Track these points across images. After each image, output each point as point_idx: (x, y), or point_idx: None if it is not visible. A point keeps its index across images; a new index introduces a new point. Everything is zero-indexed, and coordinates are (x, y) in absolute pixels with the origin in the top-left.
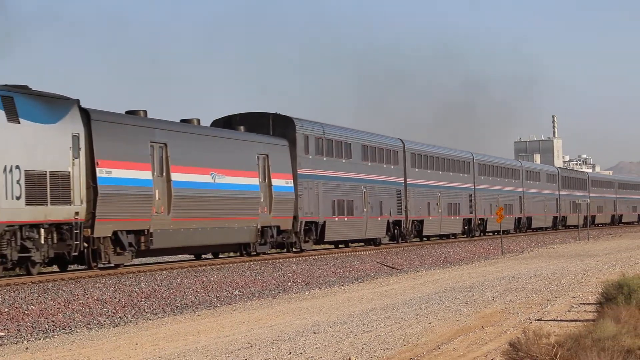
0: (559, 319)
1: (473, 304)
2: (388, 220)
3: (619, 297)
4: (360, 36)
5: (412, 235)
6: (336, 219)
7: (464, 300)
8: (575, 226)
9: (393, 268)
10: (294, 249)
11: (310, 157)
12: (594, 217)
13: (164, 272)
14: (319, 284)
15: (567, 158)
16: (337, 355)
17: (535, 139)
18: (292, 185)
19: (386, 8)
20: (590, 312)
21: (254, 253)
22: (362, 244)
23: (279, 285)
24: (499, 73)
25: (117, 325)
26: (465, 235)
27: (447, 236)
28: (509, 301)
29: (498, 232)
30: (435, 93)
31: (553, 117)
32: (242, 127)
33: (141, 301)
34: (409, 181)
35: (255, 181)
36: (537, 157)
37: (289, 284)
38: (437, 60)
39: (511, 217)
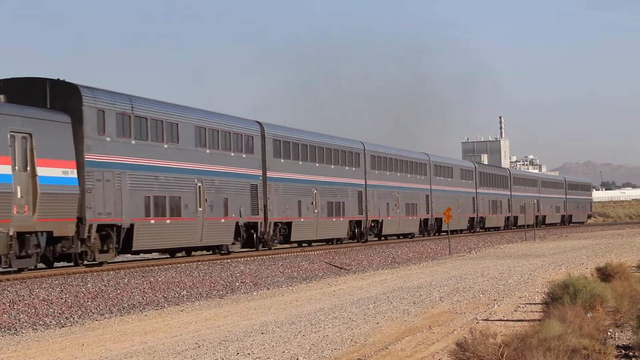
0: (505, 318)
1: (420, 304)
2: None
3: (565, 297)
4: (301, 33)
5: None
6: (152, 222)
7: (411, 301)
8: (525, 226)
9: (341, 268)
10: (85, 262)
11: (109, 139)
12: (516, 218)
13: (111, 272)
14: (267, 284)
15: (514, 159)
16: (285, 356)
17: (482, 139)
18: (75, 176)
19: (332, 6)
20: (536, 311)
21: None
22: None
23: (227, 285)
24: (445, 73)
25: (63, 326)
26: (422, 235)
27: (405, 235)
28: (456, 301)
29: (455, 231)
30: (382, 91)
31: (500, 118)
32: (1, 97)
33: (88, 301)
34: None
35: (5, 169)
36: (485, 158)
37: (237, 284)
38: (380, 57)
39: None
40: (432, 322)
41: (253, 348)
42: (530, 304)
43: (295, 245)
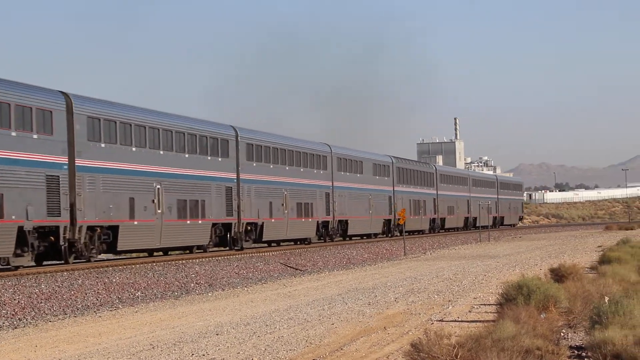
0: (460, 319)
1: (376, 305)
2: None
3: (519, 297)
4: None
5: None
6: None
7: (366, 301)
8: (481, 227)
9: (296, 269)
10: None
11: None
12: (443, 219)
13: (65, 273)
14: (222, 285)
15: (468, 160)
16: (240, 357)
17: (437, 141)
18: None
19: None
20: (490, 312)
21: None
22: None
23: (181, 286)
24: (400, 75)
25: (16, 327)
26: (385, 235)
27: (369, 235)
28: (411, 302)
29: (416, 231)
30: (336, 92)
31: (455, 119)
32: None
33: (41, 303)
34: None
35: None
36: (440, 159)
37: (192, 285)
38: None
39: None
40: (387, 322)
41: (208, 349)
42: (484, 304)
43: (266, 245)
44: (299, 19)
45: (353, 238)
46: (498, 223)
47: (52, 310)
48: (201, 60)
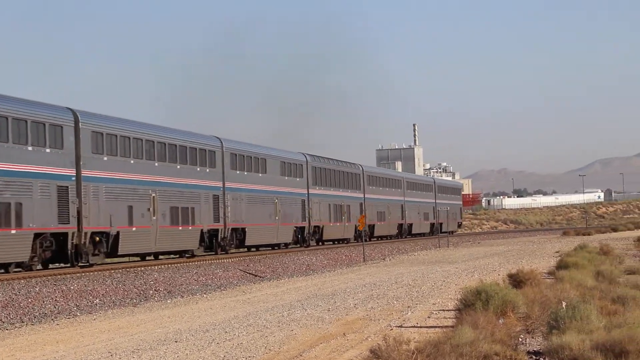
0: (419, 325)
1: (335, 311)
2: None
3: (477, 303)
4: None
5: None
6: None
7: (326, 308)
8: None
9: (256, 276)
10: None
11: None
12: (372, 226)
13: (22, 280)
14: (181, 292)
15: (427, 166)
16: None
17: (396, 147)
18: None
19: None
20: (449, 318)
21: None
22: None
23: (140, 293)
24: (356, 80)
25: None
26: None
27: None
28: (370, 308)
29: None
30: (287, 99)
31: (414, 125)
32: None
33: None
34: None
35: None
36: (399, 165)
37: (151, 292)
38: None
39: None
40: (347, 329)
41: (167, 356)
42: (443, 310)
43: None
44: (253, 24)
45: (257, 249)
46: (437, 230)
47: (9, 318)
48: (146, 63)
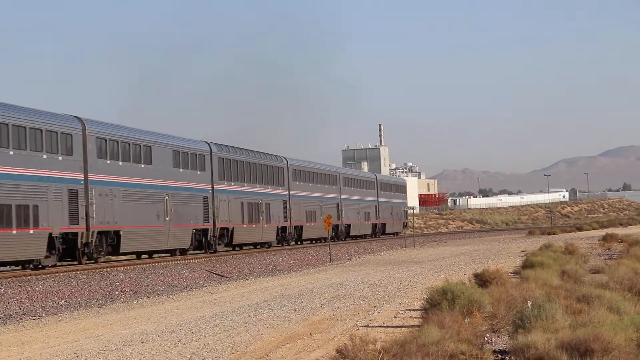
0: (385, 325)
1: (301, 311)
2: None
3: (443, 302)
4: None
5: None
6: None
7: (292, 308)
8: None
9: (222, 276)
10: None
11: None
12: (299, 228)
13: None
14: (147, 293)
15: (393, 166)
16: None
17: (362, 147)
18: None
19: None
20: (415, 318)
21: None
22: None
23: (106, 294)
24: (321, 80)
25: None
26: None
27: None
28: (336, 308)
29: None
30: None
31: (380, 125)
32: None
33: None
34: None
35: None
36: (365, 165)
37: (117, 293)
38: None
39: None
40: (313, 329)
41: (133, 357)
42: (409, 310)
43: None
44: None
45: (138, 256)
46: (379, 231)
47: None
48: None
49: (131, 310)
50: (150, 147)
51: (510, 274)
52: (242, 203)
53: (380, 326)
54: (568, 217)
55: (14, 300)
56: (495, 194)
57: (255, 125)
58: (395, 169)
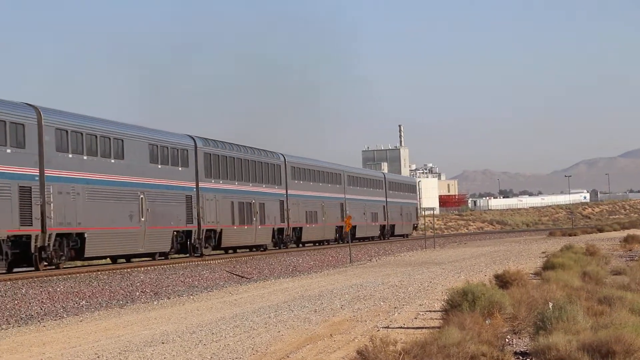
0: (405, 326)
1: (322, 312)
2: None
3: (464, 304)
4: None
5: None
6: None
7: (312, 309)
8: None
9: (242, 277)
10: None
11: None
12: (298, 229)
13: (8, 282)
14: (167, 294)
15: (413, 167)
16: None
17: (382, 148)
18: None
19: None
20: (436, 319)
21: None
22: None
23: (127, 295)
24: (342, 81)
25: None
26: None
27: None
28: (357, 309)
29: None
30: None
31: (400, 126)
32: None
33: None
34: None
35: None
36: (385, 166)
37: (137, 293)
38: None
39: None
40: (333, 330)
41: (154, 358)
42: (430, 311)
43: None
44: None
45: (115, 260)
46: (388, 233)
47: None
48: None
49: (152, 311)
50: (122, 141)
51: (531, 275)
52: (232, 203)
53: (401, 327)
54: (589, 218)
55: (35, 300)
56: (516, 195)
57: (274, 126)
58: (415, 169)
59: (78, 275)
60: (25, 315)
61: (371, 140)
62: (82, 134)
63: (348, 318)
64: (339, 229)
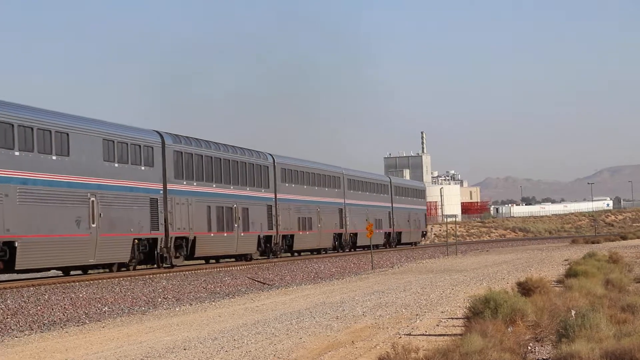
0: (427, 333)
1: (343, 319)
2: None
3: (486, 311)
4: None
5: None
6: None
7: (334, 315)
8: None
9: (264, 284)
10: None
11: None
12: (289, 237)
13: (32, 288)
14: (189, 300)
15: (435, 174)
16: None
17: (404, 154)
18: None
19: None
20: (458, 326)
21: None
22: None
23: (149, 301)
24: (364, 87)
25: None
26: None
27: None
28: (378, 316)
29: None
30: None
31: (422, 133)
32: None
33: (7, 318)
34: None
35: None
36: (407, 173)
37: (159, 299)
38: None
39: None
40: (355, 337)
41: None
42: (452, 318)
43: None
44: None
45: (67, 272)
46: (394, 241)
47: (19, 325)
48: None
49: (174, 317)
50: (67, 134)
51: (553, 282)
52: (208, 207)
53: (423, 334)
54: (612, 225)
55: (58, 306)
56: (538, 202)
57: (293, 132)
58: (438, 176)
59: (100, 281)
60: (48, 321)
61: (393, 147)
62: (12, 125)
63: (370, 325)
64: (338, 237)
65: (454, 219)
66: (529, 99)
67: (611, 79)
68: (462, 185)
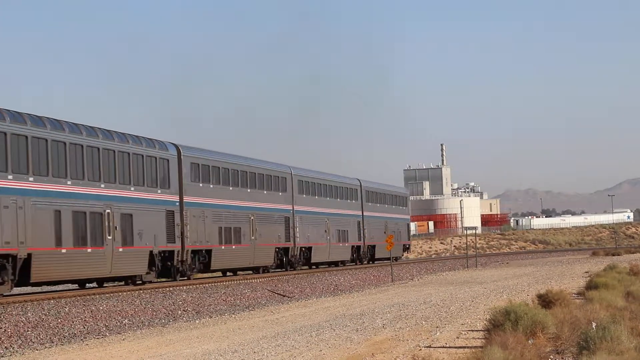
0: (447, 345)
1: (363, 331)
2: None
3: (506, 323)
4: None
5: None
6: None
7: (354, 328)
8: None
9: (284, 296)
10: None
11: None
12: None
13: (52, 301)
14: (209, 313)
15: (455, 186)
16: None
17: (424, 167)
18: None
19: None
20: (478, 338)
21: None
22: None
23: (169, 313)
24: (383, 99)
25: (2, 356)
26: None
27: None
28: (398, 328)
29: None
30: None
31: (442, 145)
32: None
33: (28, 331)
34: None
35: None
36: (427, 185)
37: (179, 312)
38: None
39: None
40: (375, 349)
41: None
42: (472, 330)
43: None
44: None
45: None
46: (365, 256)
47: (39, 338)
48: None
49: (194, 330)
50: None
51: (574, 295)
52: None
53: (443, 347)
54: (633, 237)
55: (78, 319)
56: (559, 214)
57: (315, 143)
58: (457, 188)
59: (121, 293)
60: (69, 333)
61: (413, 160)
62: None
63: (390, 337)
64: (285, 251)
65: (473, 231)
66: (550, 112)
67: (633, 93)
68: (482, 197)
